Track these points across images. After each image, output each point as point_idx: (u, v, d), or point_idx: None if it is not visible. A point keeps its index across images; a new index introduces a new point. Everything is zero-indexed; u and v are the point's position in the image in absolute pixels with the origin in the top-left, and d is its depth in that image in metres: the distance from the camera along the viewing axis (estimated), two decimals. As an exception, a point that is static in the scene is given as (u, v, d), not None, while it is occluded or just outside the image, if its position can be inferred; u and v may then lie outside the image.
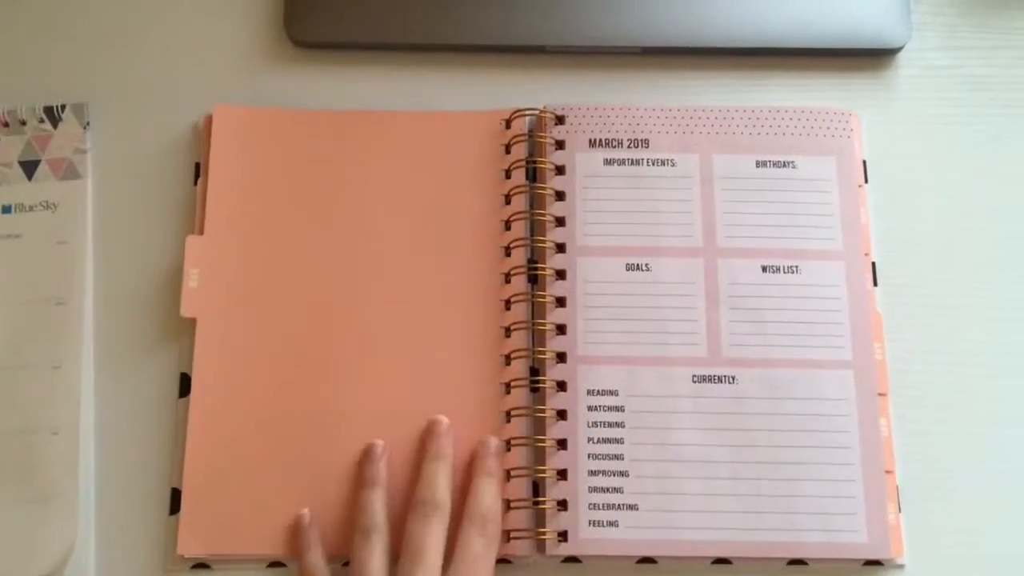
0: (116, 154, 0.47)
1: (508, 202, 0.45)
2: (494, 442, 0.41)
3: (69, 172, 0.46)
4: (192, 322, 0.43)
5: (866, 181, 0.46)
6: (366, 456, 0.41)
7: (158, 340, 0.44)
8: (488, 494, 0.40)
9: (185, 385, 0.43)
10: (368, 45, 0.48)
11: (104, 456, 0.43)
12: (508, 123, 0.46)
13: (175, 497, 0.42)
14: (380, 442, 0.41)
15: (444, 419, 0.42)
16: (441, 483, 0.40)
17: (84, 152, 0.47)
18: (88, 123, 0.47)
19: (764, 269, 0.44)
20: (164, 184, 0.46)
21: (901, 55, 0.48)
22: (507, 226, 0.45)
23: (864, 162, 0.46)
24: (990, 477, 0.42)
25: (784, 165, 0.45)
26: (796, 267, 0.44)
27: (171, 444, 0.43)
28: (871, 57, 0.48)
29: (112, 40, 0.49)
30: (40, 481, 0.42)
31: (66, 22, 0.49)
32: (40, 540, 0.41)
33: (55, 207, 0.45)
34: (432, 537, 0.38)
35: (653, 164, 0.45)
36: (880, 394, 0.42)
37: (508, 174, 0.45)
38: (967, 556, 0.42)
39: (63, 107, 0.47)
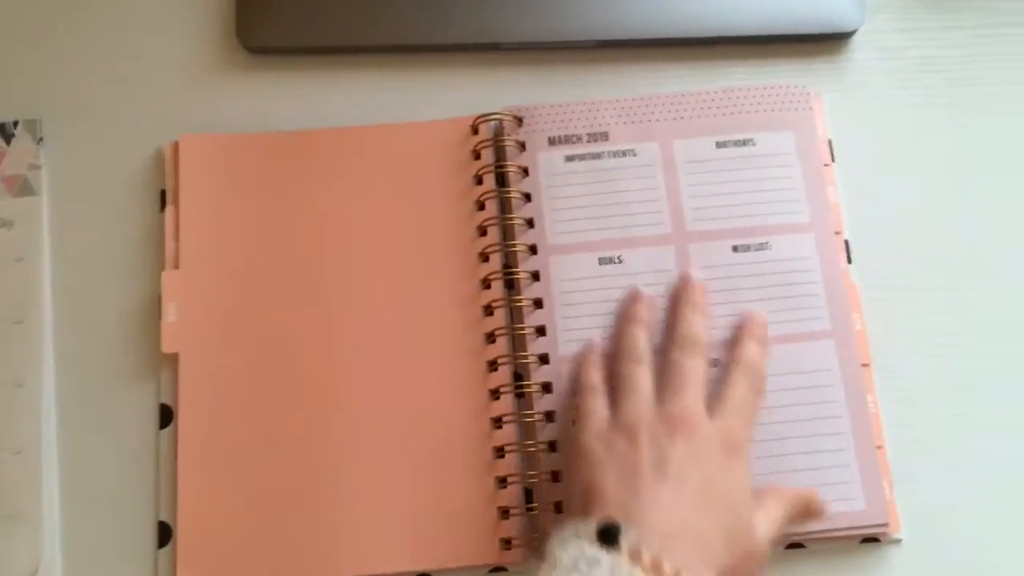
0: (72, 171, 0.47)
1: (481, 207, 0.45)
2: (759, 313, 0.42)
3: (24, 189, 0.46)
4: (172, 355, 0.43)
5: (833, 160, 0.46)
6: (632, 296, 0.42)
7: (133, 371, 0.44)
8: (755, 352, 0.40)
9: (166, 416, 0.43)
10: (322, 49, 0.48)
11: (77, 483, 0.43)
12: (475, 128, 0.46)
13: (163, 530, 0.42)
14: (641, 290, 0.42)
15: (694, 278, 0.42)
16: (700, 327, 0.40)
17: (38, 168, 0.46)
18: (41, 139, 0.47)
19: (735, 249, 0.44)
20: (126, 207, 0.46)
21: (856, 38, 0.48)
22: (482, 232, 0.44)
23: (830, 142, 0.46)
24: (976, 451, 0.43)
25: (744, 143, 0.45)
26: (766, 243, 0.44)
27: (153, 476, 0.42)
28: (826, 42, 0.48)
29: (64, 56, 0.48)
30: (3, 500, 0.41)
31: (17, 39, 0.48)
32: (4, 557, 0.41)
33: (11, 224, 0.45)
34: (698, 370, 0.39)
35: (614, 156, 0.45)
36: (863, 364, 0.43)
37: (479, 179, 0.45)
38: (961, 531, 0.42)
39: (16, 123, 0.47)
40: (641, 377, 0.39)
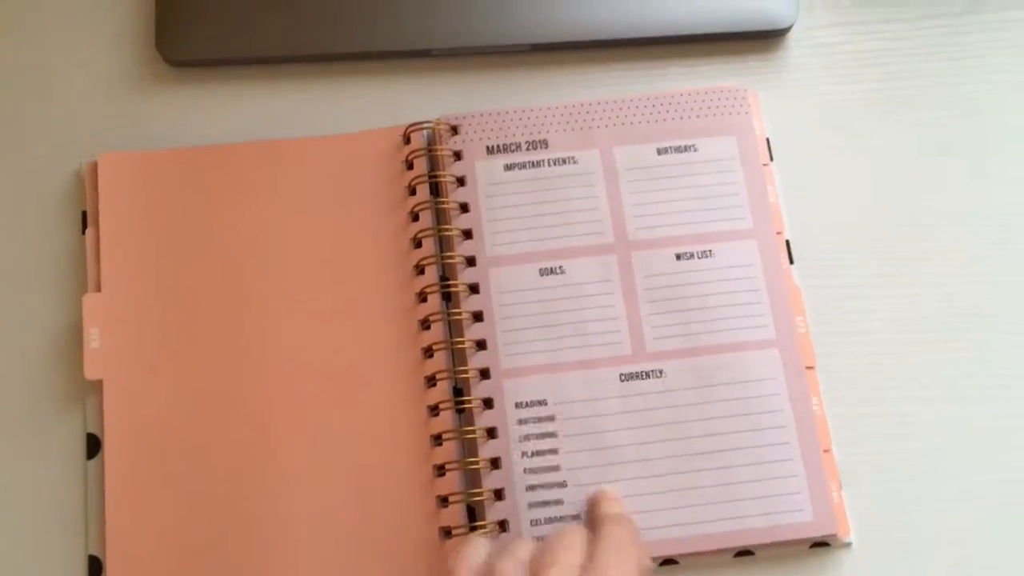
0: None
1: (415, 219, 0.44)
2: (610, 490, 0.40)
3: None
4: (96, 382, 0.41)
5: (771, 159, 0.46)
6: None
7: (58, 399, 0.42)
8: (614, 508, 0.39)
9: (93, 446, 0.41)
10: (246, 60, 0.46)
11: (1, 516, 0.41)
12: (407, 138, 0.45)
13: (93, 564, 0.40)
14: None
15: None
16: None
17: None
18: None
19: (678, 257, 0.43)
20: (46, 228, 0.44)
21: (791, 35, 0.48)
22: (417, 243, 0.43)
23: (768, 140, 0.46)
24: (923, 450, 0.42)
25: (685, 149, 0.45)
26: (709, 251, 0.43)
27: (81, 508, 0.41)
28: (762, 39, 0.48)
29: None
30: None
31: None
32: None
33: None
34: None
35: (554, 164, 0.44)
36: (808, 367, 0.42)
37: (412, 190, 0.44)
38: (911, 533, 0.41)
39: None
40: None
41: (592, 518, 0.39)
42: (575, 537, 0.35)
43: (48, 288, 0.44)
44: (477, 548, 0.36)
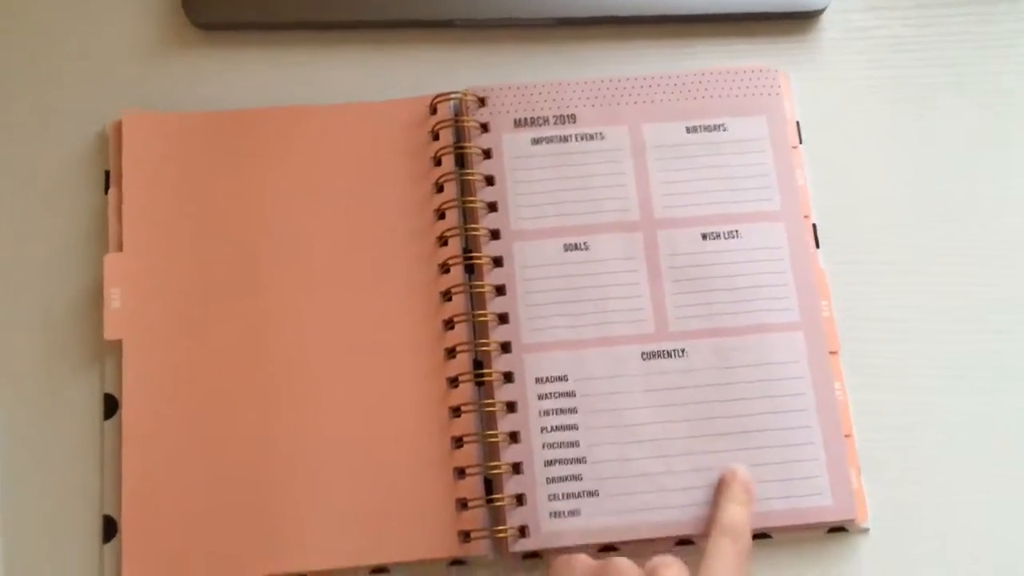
0: (11, 149, 0.44)
1: (440, 190, 0.43)
2: (741, 471, 0.40)
3: None
4: (115, 342, 0.41)
5: (800, 142, 0.45)
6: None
7: (76, 359, 0.42)
8: (736, 514, 0.38)
9: (111, 406, 0.41)
10: (274, 25, 0.46)
11: (18, 475, 0.41)
12: (433, 108, 0.44)
13: (108, 524, 0.40)
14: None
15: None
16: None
17: None
18: None
19: (704, 237, 0.43)
20: (68, 187, 0.44)
21: (824, 17, 0.47)
22: (440, 215, 0.43)
23: (798, 123, 0.45)
24: (945, 437, 0.42)
25: (715, 129, 0.44)
26: (736, 232, 0.43)
27: (97, 468, 0.41)
28: (794, 20, 0.47)
29: (3, 28, 0.46)
30: None
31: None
32: None
33: None
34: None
35: (582, 139, 0.44)
36: (831, 352, 0.42)
37: (437, 161, 0.44)
38: (928, 521, 0.41)
39: None
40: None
41: (715, 500, 0.39)
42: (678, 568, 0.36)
43: (69, 248, 0.43)
44: (574, 567, 0.36)
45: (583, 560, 0.36)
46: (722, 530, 0.38)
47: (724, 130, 0.44)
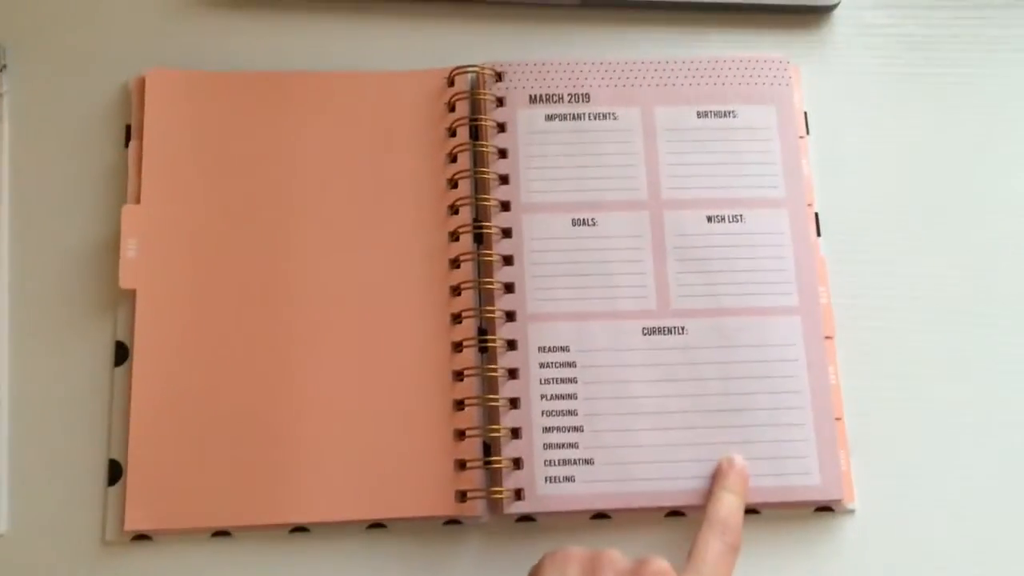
0: (36, 101, 0.45)
1: (454, 160, 0.44)
2: (738, 460, 0.40)
3: None
4: (128, 291, 0.42)
5: (807, 133, 0.46)
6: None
7: (90, 307, 0.43)
8: (729, 506, 0.39)
9: (121, 353, 0.42)
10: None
11: (27, 418, 0.42)
12: (451, 80, 0.45)
13: (113, 468, 0.41)
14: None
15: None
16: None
17: (1, 95, 0.44)
18: (5, 65, 0.45)
19: (709, 219, 0.44)
20: (90, 140, 0.45)
21: (837, 13, 0.48)
22: (453, 184, 0.44)
23: (805, 114, 0.46)
24: (934, 424, 0.43)
25: (725, 115, 0.45)
26: (740, 216, 0.44)
27: (105, 413, 0.42)
28: (807, 15, 0.48)
29: None
30: None
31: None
32: None
33: None
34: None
35: (595, 118, 0.45)
36: (827, 337, 0.43)
37: (452, 132, 0.44)
38: (913, 504, 0.42)
39: None
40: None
41: (711, 488, 0.40)
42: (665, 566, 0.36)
43: (88, 198, 0.44)
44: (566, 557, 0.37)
45: (574, 551, 0.37)
46: (712, 523, 0.38)
47: (734, 116, 0.45)
